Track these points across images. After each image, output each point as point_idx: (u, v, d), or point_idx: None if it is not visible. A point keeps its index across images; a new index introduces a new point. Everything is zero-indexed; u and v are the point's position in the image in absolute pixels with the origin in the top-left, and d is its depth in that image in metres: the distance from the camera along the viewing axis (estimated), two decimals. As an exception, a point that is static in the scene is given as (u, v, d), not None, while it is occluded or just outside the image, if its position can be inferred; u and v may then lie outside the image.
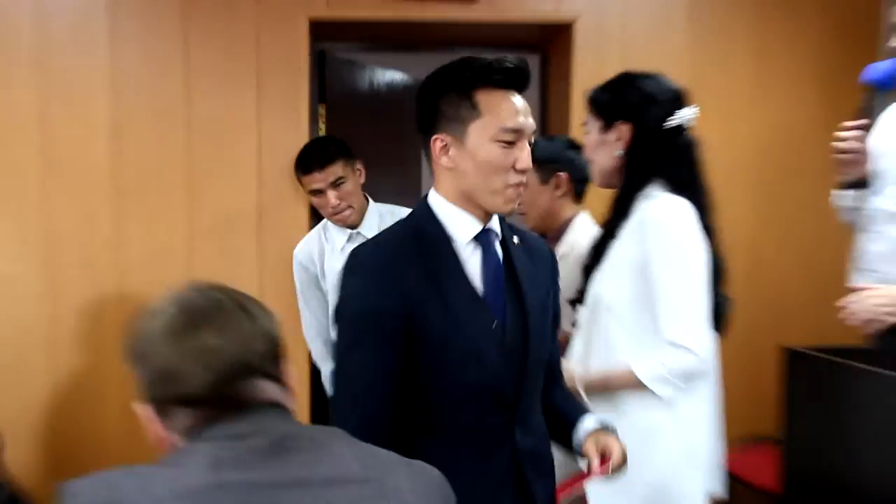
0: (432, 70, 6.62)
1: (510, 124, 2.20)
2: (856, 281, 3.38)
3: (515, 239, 2.41)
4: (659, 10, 4.73)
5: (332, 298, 4.03)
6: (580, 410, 2.54)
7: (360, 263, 2.27)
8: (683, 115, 3.02)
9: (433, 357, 2.22)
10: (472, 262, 2.30)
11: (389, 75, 5.59)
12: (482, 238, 2.32)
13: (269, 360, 1.65)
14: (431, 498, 1.67)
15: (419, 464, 1.72)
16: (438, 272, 2.24)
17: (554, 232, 3.62)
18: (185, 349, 1.54)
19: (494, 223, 2.36)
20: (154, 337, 1.56)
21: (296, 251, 4.21)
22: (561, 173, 3.54)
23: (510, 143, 2.21)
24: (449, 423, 2.27)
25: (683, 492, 2.95)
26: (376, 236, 2.44)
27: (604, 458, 2.31)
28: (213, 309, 1.61)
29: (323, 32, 4.75)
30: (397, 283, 2.19)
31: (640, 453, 2.76)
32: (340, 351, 2.27)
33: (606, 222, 3.03)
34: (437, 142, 2.26)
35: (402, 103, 5.63)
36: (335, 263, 4.01)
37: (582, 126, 3.17)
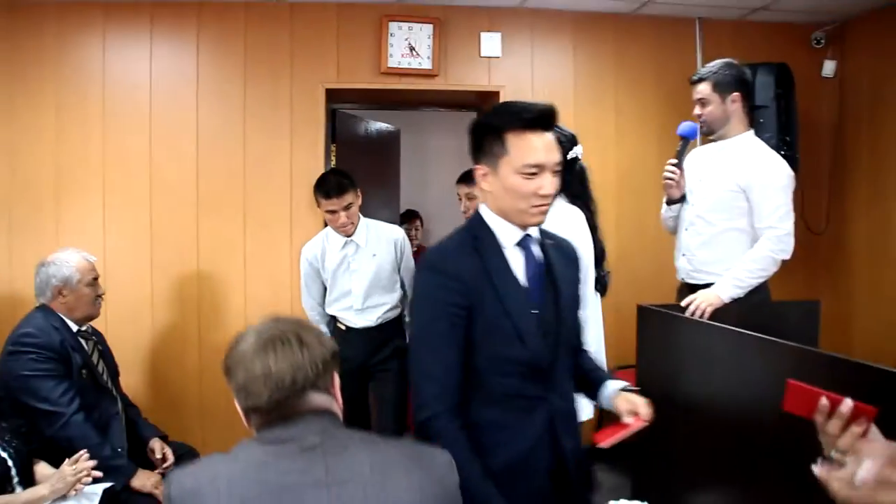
0: (407, 122, 6.55)
1: (531, 160, 1.93)
2: (678, 260, 3.47)
3: (550, 242, 2.14)
4: (555, 82, 4.79)
5: (329, 284, 3.90)
6: (603, 374, 2.26)
7: (432, 264, 2.04)
8: (577, 151, 3.07)
9: (486, 336, 1.97)
10: (517, 262, 2.03)
11: (378, 125, 5.56)
12: (523, 242, 2.05)
13: (318, 377, 1.58)
14: (425, 491, 1.53)
15: (428, 457, 1.60)
16: (491, 269, 1.99)
17: None
18: (255, 373, 1.53)
19: (534, 230, 2.09)
20: (237, 359, 1.57)
21: (303, 250, 3.94)
22: None
23: (533, 175, 1.94)
24: (497, 389, 2.01)
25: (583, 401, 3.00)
26: (443, 241, 2.13)
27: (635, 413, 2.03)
28: (277, 340, 1.56)
29: (334, 96, 4.72)
30: (460, 278, 1.96)
31: None
32: (419, 332, 2.04)
33: None
34: (479, 170, 2.03)
35: (387, 143, 5.63)
36: (333, 260, 3.86)
37: None
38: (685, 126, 3.37)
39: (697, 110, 3.38)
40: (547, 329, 2.03)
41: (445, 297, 1.96)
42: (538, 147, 1.95)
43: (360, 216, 3.96)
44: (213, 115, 4.42)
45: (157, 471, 3.27)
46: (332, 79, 4.53)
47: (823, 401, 1.21)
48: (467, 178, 3.84)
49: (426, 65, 4.56)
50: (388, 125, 5.68)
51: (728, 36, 4.88)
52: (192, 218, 4.39)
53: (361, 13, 4.52)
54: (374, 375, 3.92)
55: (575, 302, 2.17)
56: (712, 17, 4.85)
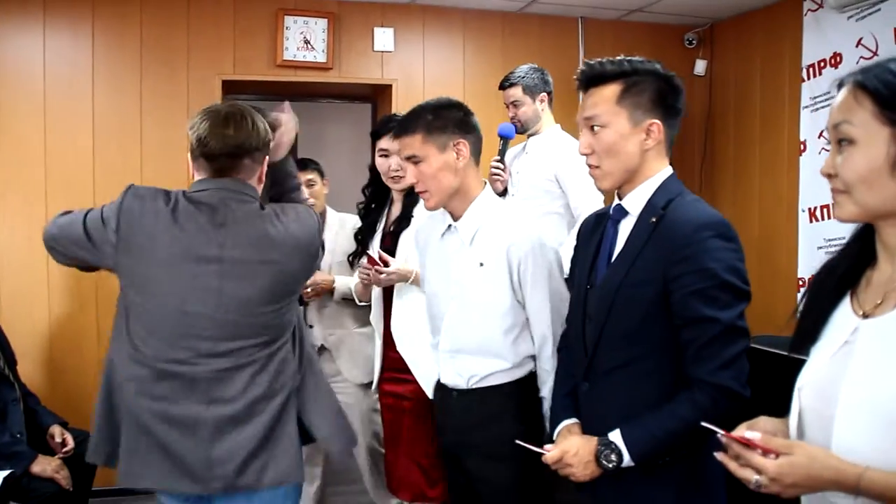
0: (304, 113, 6.49)
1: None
2: None
3: (653, 219, 1.78)
4: (445, 76, 5.01)
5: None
6: (635, 420, 1.76)
7: None
8: None
9: None
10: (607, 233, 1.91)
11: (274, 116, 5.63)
12: (612, 213, 1.91)
13: (257, 150, 2.13)
14: (255, 261, 2.08)
15: (284, 232, 2.12)
16: (584, 241, 1.99)
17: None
18: (214, 132, 2.08)
19: (629, 201, 1.85)
20: (201, 122, 2.10)
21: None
22: None
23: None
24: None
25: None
26: None
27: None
28: (233, 115, 2.11)
29: (231, 88, 4.78)
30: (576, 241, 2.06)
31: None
32: None
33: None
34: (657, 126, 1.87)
35: (283, 134, 5.70)
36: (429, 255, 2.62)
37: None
38: (504, 127, 3.79)
39: (511, 112, 3.79)
40: (594, 310, 1.85)
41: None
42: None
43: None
44: (110, 107, 4.43)
45: (56, 456, 3.33)
46: (228, 71, 4.61)
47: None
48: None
49: (321, 58, 4.70)
50: (285, 116, 5.76)
51: (608, 35, 5.19)
52: (88, 205, 4.28)
53: (257, 6, 4.62)
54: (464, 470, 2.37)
55: (637, 287, 1.76)
56: (593, 17, 5.16)
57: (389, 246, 3.05)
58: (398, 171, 2.92)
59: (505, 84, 3.85)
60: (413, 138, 2.23)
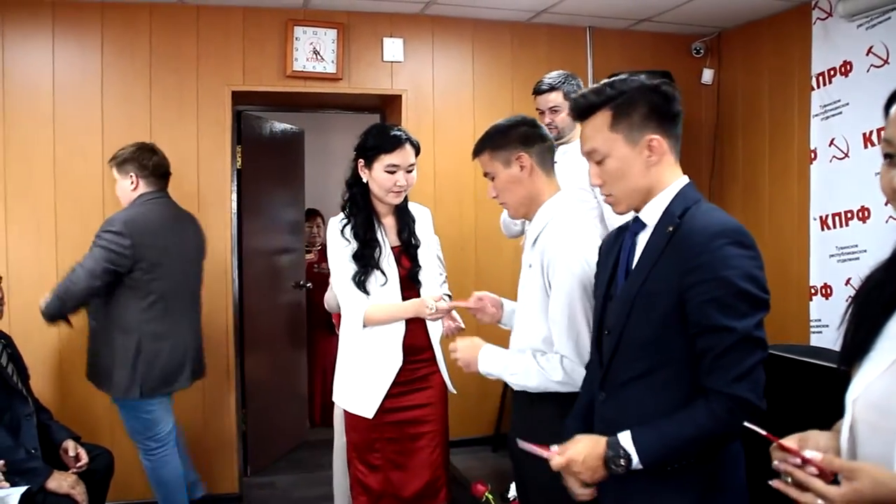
0: (311, 123, 6.41)
1: None
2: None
3: (670, 228, 1.76)
4: (455, 86, 4.99)
5: None
6: (648, 424, 1.72)
7: None
8: None
9: None
10: (624, 245, 1.90)
11: (283, 126, 5.58)
12: (631, 225, 1.90)
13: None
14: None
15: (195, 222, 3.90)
16: (605, 256, 1.99)
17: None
18: (162, 161, 3.72)
19: (646, 212, 1.84)
20: (153, 155, 3.68)
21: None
22: None
23: None
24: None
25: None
26: None
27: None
28: (160, 151, 3.76)
29: (240, 99, 4.78)
30: (598, 253, 2.05)
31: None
32: None
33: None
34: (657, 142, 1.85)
35: (292, 144, 5.68)
36: None
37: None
38: None
39: (547, 118, 3.61)
40: (612, 321, 1.85)
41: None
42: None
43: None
44: (120, 116, 4.41)
45: (71, 471, 3.29)
46: (237, 81, 4.59)
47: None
48: None
49: (330, 69, 4.68)
50: (293, 126, 5.75)
51: (616, 44, 5.20)
52: (99, 219, 4.26)
53: (267, 17, 4.61)
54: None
55: (652, 297, 1.75)
56: (601, 26, 5.16)
57: (410, 267, 2.97)
58: (404, 185, 2.91)
59: (543, 88, 3.64)
60: (483, 157, 2.42)
